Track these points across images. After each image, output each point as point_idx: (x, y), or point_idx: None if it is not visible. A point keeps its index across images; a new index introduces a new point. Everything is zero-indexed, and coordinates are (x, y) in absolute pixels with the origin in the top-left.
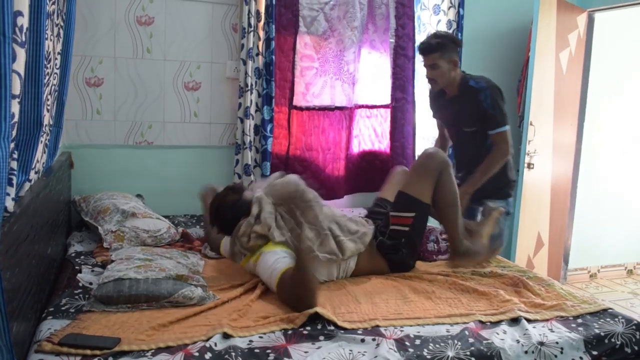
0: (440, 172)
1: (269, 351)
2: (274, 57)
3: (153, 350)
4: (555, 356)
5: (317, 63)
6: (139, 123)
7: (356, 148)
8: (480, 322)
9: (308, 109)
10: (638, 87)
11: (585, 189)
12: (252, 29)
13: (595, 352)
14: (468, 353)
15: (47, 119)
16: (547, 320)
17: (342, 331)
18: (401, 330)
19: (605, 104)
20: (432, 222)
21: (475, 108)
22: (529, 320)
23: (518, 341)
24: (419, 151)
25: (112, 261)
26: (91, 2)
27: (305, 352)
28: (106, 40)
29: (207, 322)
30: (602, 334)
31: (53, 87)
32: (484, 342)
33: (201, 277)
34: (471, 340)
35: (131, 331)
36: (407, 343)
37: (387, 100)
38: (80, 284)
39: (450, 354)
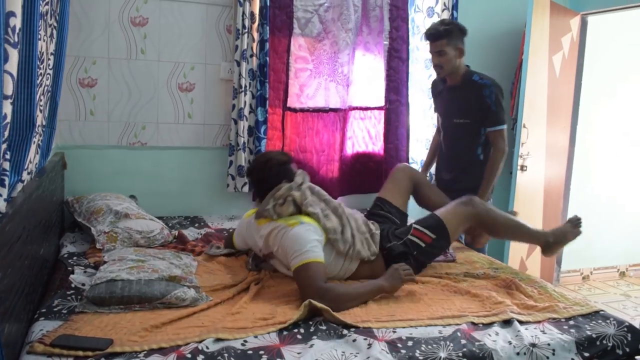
0: (477, 215)
1: (262, 352)
2: (268, 58)
3: (145, 352)
4: (547, 358)
5: (311, 65)
6: (133, 124)
7: (350, 150)
8: (473, 323)
9: (302, 110)
10: (631, 90)
11: (578, 192)
12: (246, 30)
13: (587, 354)
14: (460, 354)
15: (40, 119)
16: (539, 321)
17: (335, 332)
18: (393, 332)
19: (598, 107)
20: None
21: (477, 102)
22: (521, 322)
23: (510, 342)
24: (412, 153)
25: (105, 262)
26: (85, 2)
27: (299, 352)
28: (100, 41)
29: (200, 323)
30: (594, 335)
31: (46, 88)
32: (476, 343)
33: (194, 278)
34: (463, 341)
35: (124, 332)
36: (399, 344)
37: (381, 102)
38: (73, 285)
39: (443, 355)
